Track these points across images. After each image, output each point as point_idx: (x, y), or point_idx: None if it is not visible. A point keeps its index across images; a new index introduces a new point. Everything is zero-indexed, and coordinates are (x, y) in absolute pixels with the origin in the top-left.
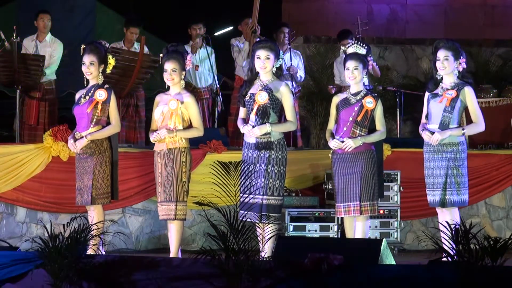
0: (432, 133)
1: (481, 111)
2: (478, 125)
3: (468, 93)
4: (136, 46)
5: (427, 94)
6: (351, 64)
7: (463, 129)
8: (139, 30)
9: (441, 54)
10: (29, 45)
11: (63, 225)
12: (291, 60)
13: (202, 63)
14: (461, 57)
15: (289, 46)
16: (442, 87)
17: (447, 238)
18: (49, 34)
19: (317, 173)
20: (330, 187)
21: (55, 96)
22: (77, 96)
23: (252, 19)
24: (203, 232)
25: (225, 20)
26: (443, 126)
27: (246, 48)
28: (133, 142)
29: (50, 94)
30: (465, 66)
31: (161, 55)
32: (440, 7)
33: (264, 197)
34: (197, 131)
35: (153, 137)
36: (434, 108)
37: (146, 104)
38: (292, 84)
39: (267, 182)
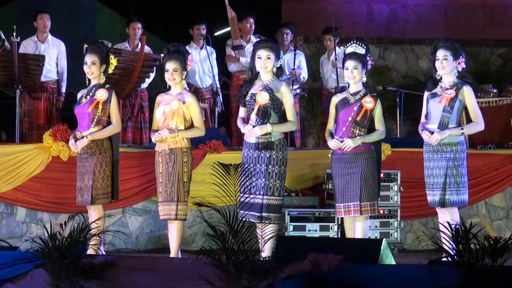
0: (432, 133)
1: (480, 111)
2: (478, 125)
3: (467, 92)
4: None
5: (426, 93)
6: (350, 63)
7: (462, 129)
8: (141, 25)
9: (440, 53)
10: (30, 46)
11: (61, 224)
12: (294, 64)
13: (204, 62)
14: (460, 56)
15: (292, 47)
16: (441, 87)
17: (447, 238)
18: (49, 34)
19: (317, 173)
20: (330, 187)
21: (60, 95)
22: (78, 95)
23: (233, 38)
24: (203, 232)
25: (225, 20)
26: (442, 126)
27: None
28: (138, 142)
29: (56, 93)
30: (464, 66)
31: (162, 55)
32: (440, 7)
33: (264, 197)
34: (199, 131)
35: (154, 137)
36: (433, 108)
37: (149, 104)
38: (293, 88)
39: (267, 182)
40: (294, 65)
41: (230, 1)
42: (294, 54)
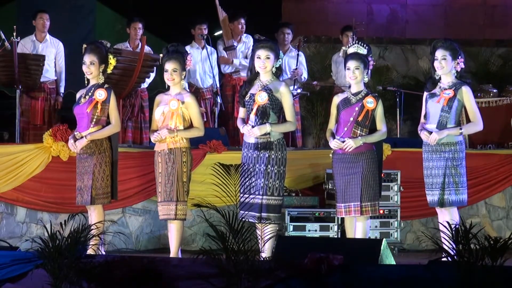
0: (430, 133)
1: (479, 111)
2: (476, 124)
3: (466, 92)
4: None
5: (425, 93)
6: (352, 64)
7: (460, 129)
8: (142, 25)
9: (439, 53)
10: (28, 45)
11: (61, 223)
12: (297, 64)
13: (205, 62)
14: (459, 56)
15: (292, 48)
16: (440, 87)
17: (447, 238)
18: (48, 34)
19: (317, 173)
20: (330, 187)
21: (58, 95)
22: (77, 95)
23: (225, 38)
24: (203, 232)
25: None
26: (441, 126)
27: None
28: (138, 142)
29: (54, 93)
30: (463, 66)
31: (161, 55)
32: (440, 7)
33: (264, 197)
34: (198, 131)
35: (153, 137)
36: (432, 108)
37: (149, 104)
38: (294, 88)
39: (266, 182)
40: (296, 65)
41: (230, 1)
42: (297, 54)
